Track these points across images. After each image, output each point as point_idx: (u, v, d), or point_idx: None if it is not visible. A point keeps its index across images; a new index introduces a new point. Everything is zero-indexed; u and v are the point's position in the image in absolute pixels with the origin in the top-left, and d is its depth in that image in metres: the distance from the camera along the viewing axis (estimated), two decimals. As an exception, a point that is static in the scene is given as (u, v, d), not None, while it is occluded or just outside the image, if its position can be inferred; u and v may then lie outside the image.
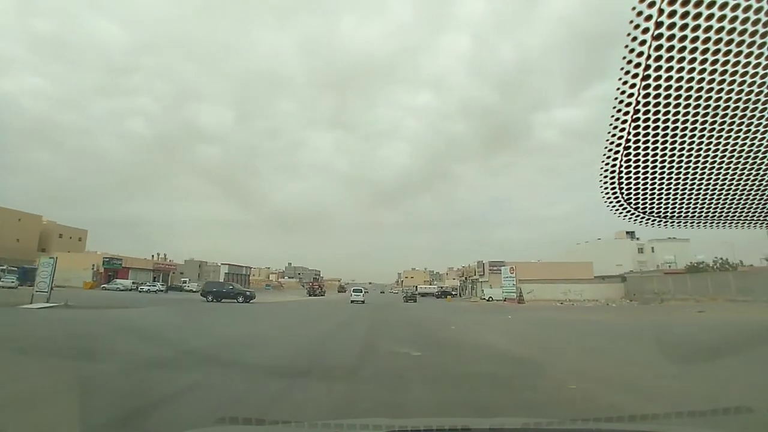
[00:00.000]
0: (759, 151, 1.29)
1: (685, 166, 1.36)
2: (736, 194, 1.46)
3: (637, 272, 51.01)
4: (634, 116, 1.19)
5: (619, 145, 1.27)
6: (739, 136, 1.26)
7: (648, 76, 1.09)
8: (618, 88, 1.13)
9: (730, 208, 1.52)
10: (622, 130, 1.23)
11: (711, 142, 1.28)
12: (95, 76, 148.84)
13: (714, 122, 1.22)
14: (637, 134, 1.24)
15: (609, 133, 1.24)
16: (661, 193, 1.46)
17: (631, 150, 1.29)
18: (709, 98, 1.15)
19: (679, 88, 1.13)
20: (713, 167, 1.36)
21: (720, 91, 1.13)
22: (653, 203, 1.51)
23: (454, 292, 71.05)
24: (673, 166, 1.36)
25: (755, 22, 0.99)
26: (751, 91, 1.13)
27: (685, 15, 0.99)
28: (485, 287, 52.26)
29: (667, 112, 1.19)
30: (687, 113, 1.20)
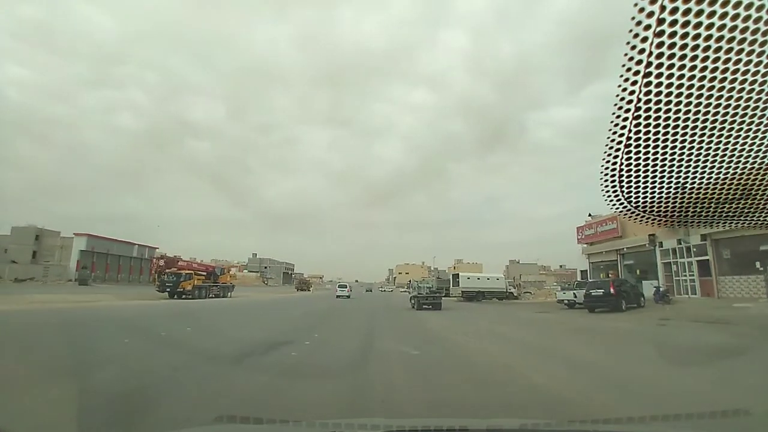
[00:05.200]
0: (759, 150, 1.29)
1: (686, 165, 1.36)
2: (736, 194, 1.45)
3: None
4: (635, 114, 1.19)
5: (620, 142, 1.27)
6: (740, 136, 1.26)
7: (650, 73, 1.09)
8: (620, 85, 1.13)
9: (731, 208, 1.52)
10: (623, 127, 1.23)
11: (712, 142, 1.28)
12: (84, 66, 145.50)
13: (715, 121, 1.22)
14: (638, 132, 1.24)
15: (609, 130, 1.24)
16: (662, 193, 1.46)
17: (632, 147, 1.29)
18: (711, 96, 1.15)
19: (680, 86, 1.13)
20: (714, 167, 1.36)
21: (721, 89, 1.13)
22: (654, 203, 1.51)
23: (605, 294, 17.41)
24: (673, 166, 1.36)
25: (757, 20, 0.99)
26: (752, 90, 1.13)
27: (687, 12, 0.99)
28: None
29: (668, 110, 1.19)
30: (688, 111, 1.20)
